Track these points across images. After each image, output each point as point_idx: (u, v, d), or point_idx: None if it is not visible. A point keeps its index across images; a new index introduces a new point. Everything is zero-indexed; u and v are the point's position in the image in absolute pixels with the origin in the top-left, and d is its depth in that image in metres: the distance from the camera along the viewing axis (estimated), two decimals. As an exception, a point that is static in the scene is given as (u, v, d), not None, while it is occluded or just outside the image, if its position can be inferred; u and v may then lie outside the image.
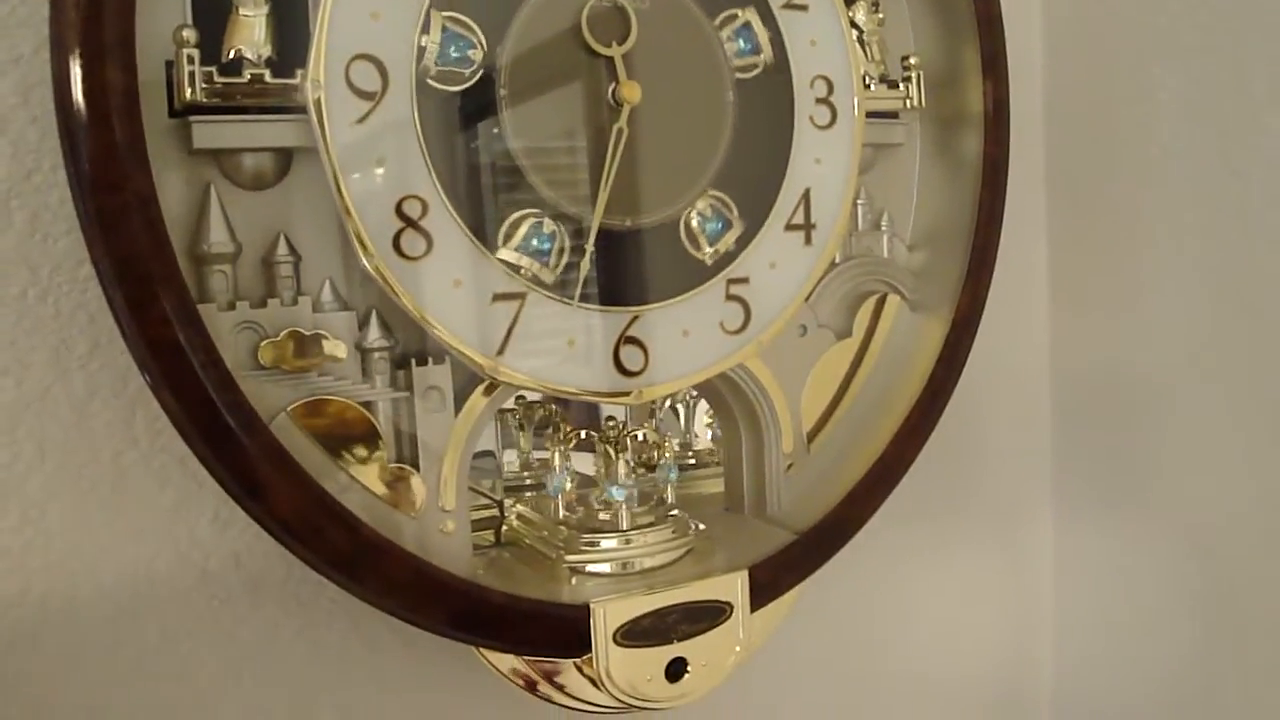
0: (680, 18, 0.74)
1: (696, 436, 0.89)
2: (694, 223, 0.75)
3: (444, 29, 0.66)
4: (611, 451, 0.73)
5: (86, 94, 0.58)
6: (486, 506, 0.80)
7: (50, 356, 0.68)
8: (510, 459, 0.85)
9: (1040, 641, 1.12)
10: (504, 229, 0.69)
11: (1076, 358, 1.04)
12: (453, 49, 0.67)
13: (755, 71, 0.77)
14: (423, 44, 0.66)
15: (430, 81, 0.66)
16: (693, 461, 0.88)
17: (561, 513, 0.76)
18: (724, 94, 0.75)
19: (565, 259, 0.70)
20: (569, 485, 0.77)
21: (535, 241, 0.69)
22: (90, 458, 0.69)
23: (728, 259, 0.76)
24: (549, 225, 0.70)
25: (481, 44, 0.68)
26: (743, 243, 0.76)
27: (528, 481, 0.84)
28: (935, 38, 0.85)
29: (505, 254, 0.69)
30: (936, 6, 0.85)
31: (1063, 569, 1.08)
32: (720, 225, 0.76)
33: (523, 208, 0.69)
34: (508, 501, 0.80)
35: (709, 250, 0.75)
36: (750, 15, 0.77)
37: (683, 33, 0.74)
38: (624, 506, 0.75)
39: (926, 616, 1.04)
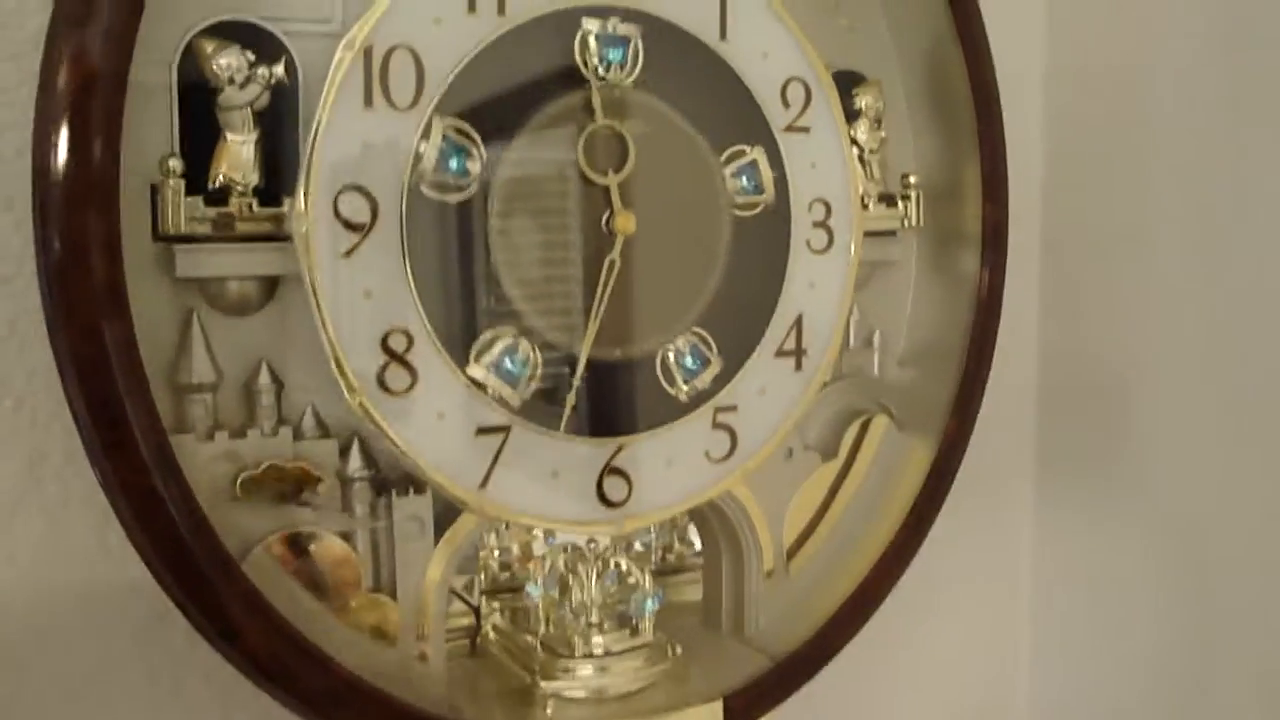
0: (679, 144, 0.73)
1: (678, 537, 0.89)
2: (671, 359, 0.73)
3: (445, 137, 0.65)
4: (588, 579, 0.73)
5: (66, 235, 0.57)
6: (464, 613, 0.79)
7: (24, 465, 0.67)
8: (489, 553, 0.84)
9: (1018, 665, 1.12)
10: (477, 345, 0.68)
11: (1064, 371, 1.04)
12: (453, 160, 0.65)
13: (756, 210, 0.76)
14: (421, 150, 0.64)
15: (424, 189, 0.65)
16: (673, 565, 0.88)
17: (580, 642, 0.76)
18: (721, 223, 0.74)
19: (536, 383, 0.69)
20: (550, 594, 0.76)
21: (509, 362, 0.68)
22: (62, 567, 0.68)
23: (704, 396, 0.74)
24: (524, 347, 0.68)
25: (481, 156, 0.66)
26: (721, 380, 0.74)
27: (505, 581, 0.83)
28: (936, 154, 0.84)
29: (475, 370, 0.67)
30: (939, 125, 0.84)
31: (1040, 583, 1.08)
32: (698, 363, 0.74)
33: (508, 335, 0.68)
34: (485, 609, 0.80)
35: (684, 387, 0.74)
36: (758, 154, 0.75)
37: (681, 160, 0.73)
38: (650, 618, 0.76)
39: (903, 643, 1.03)
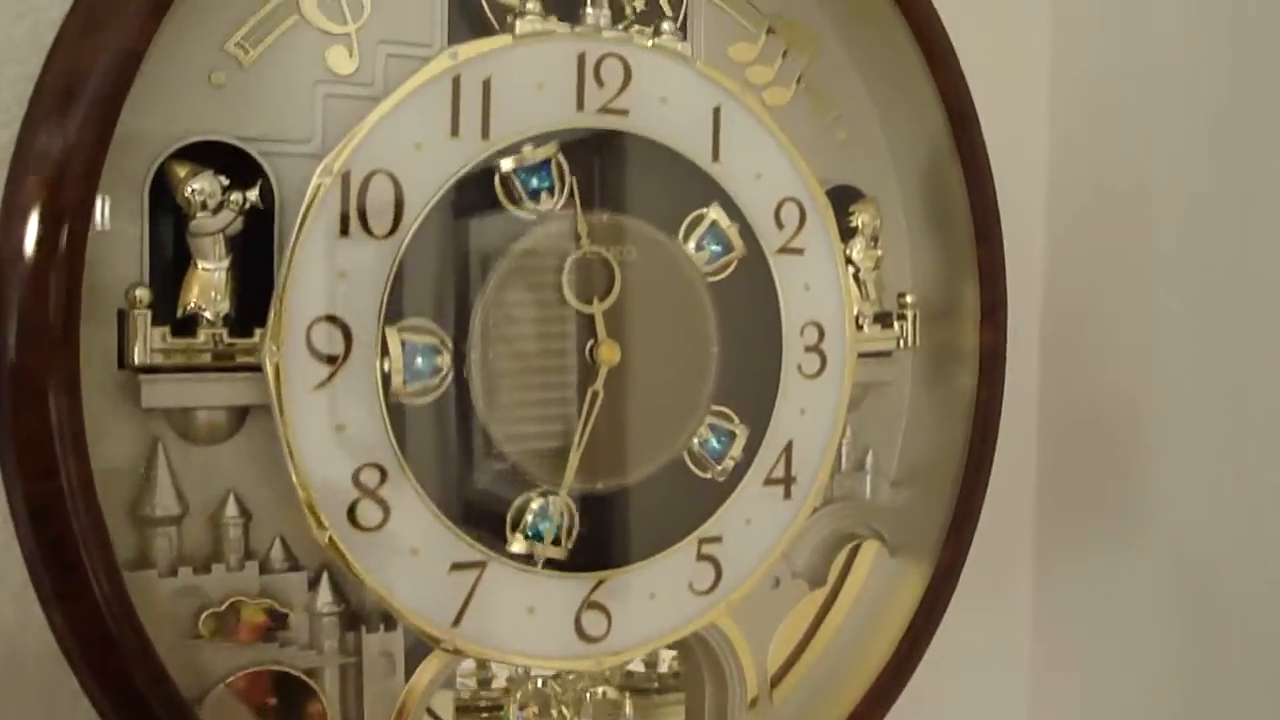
0: (668, 268, 0.71)
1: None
2: (696, 447, 0.73)
3: (404, 344, 0.63)
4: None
5: (21, 372, 0.54)
6: (438, 735, 0.76)
7: (-19, 589, 0.65)
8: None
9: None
10: (510, 515, 0.67)
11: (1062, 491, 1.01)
12: (418, 360, 0.64)
13: (732, 268, 0.73)
14: (385, 369, 0.63)
15: (403, 401, 0.63)
16: (655, 686, 0.85)
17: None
18: (709, 346, 0.72)
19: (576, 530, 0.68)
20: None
21: (543, 525, 0.68)
22: (18, 694, 0.66)
23: (742, 468, 0.73)
24: (555, 504, 0.68)
25: (447, 346, 0.65)
26: (750, 451, 0.74)
27: (483, 704, 0.80)
28: (934, 270, 0.82)
29: (517, 544, 0.67)
30: (938, 241, 0.81)
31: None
32: (724, 440, 0.73)
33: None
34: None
35: (718, 468, 0.73)
36: (715, 213, 0.72)
37: (670, 284, 0.71)
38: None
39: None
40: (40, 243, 0.55)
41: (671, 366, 0.72)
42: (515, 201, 0.66)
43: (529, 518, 0.67)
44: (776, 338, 0.74)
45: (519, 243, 0.66)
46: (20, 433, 0.55)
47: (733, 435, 0.73)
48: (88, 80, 0.56)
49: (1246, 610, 0.87)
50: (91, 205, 0.56)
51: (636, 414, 0.70)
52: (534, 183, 0.66)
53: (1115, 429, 0.95)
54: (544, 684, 0.75)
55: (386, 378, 0.63)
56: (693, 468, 0.72)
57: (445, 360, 0.64)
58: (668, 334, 0.72)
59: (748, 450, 0.73)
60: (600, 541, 0.70)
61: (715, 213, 0.72)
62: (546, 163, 0.66)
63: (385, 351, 0.63)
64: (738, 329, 0.73)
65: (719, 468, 0.73)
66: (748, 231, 0.73)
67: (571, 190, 0.67)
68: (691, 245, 0.71)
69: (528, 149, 0.65)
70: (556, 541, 0.68)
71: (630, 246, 0.69)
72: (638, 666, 0.84)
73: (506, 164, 0.65)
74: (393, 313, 0.63)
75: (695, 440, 0.72)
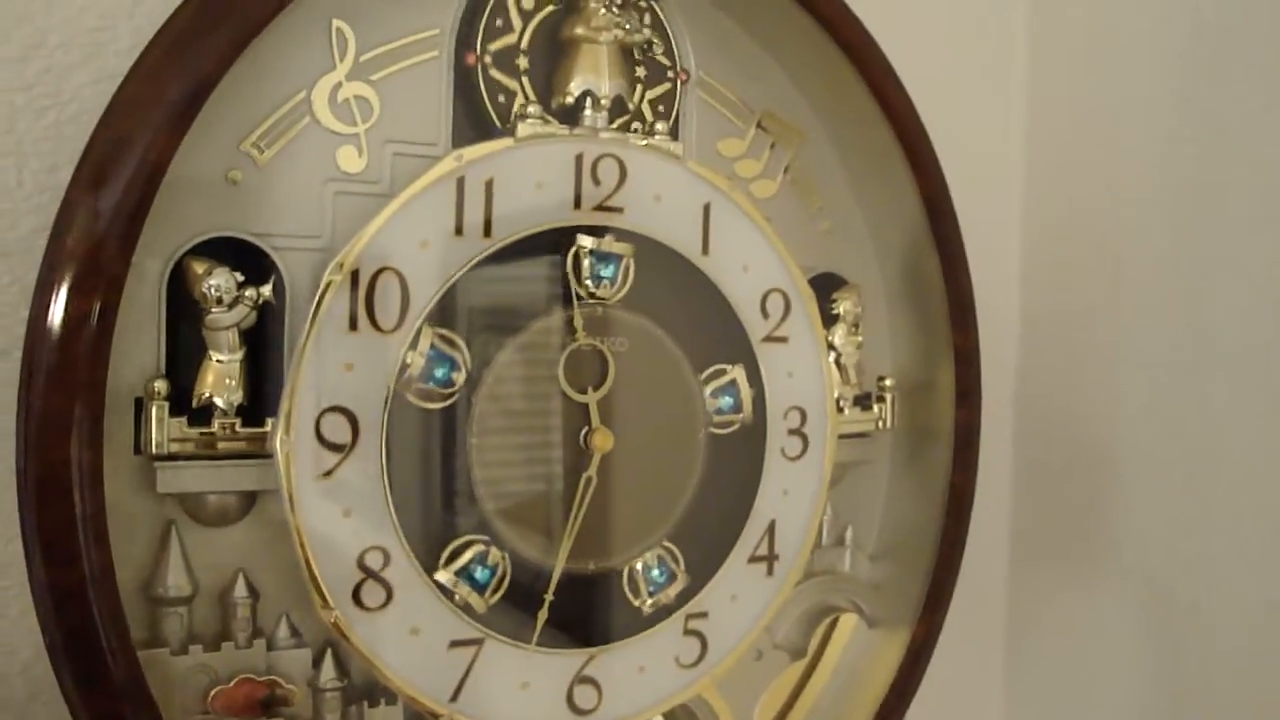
0: (660, 360, 0.74)
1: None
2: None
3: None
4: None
5: (44, 468, 0.57)
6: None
7: (-8, 661, 0.67)
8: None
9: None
10: (625, 584, 0.74)
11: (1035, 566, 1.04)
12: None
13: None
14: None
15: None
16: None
17: None
18: (697, 435, 0.75)
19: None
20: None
21: (658, 575, 0.74)
22: (29, 764, 0.68)
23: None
24: (656, 554, 0.74)
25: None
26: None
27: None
28: (913, 351, 0.86)
29: (647, 605, 0.74)
30: (917, 323, 0.85)
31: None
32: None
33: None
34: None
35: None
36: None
37: (661, 375, 0.74)
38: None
39: None
40: (65, 338, 0.57)
41: (659, 457, 0.75)
42: (432, 399, 0.67)
43: (640, 568, 0.74)
44: (761, 425, 0.78)
45: (522, 329, 0.70)
46: (44, 524, 0.57)
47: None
48: (114, 190, 0.58)
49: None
50: (117, 303, 0.58)
51: (627, 500, 0.73)
52: (438, 374, 0.67)
53: (1087, 507, 0.98)
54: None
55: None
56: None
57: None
58: (658, 426, 0.75)
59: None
60: (591, 619, 0.73)
61: (585, 240, 0.71)
62: (433, 348, 0.67)
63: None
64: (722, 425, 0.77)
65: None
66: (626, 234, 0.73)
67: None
68: (587, 279, 0.71)
69: (412, 357, 0.66)
70: (673, 579, 0.74)
71: (624, 339, 0.72)
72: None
73: (406, 385, 0.66)
74: (401, 385, 0.66)
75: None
